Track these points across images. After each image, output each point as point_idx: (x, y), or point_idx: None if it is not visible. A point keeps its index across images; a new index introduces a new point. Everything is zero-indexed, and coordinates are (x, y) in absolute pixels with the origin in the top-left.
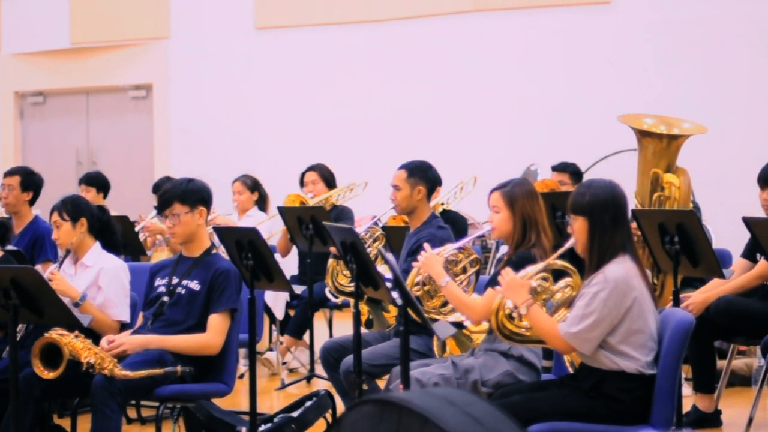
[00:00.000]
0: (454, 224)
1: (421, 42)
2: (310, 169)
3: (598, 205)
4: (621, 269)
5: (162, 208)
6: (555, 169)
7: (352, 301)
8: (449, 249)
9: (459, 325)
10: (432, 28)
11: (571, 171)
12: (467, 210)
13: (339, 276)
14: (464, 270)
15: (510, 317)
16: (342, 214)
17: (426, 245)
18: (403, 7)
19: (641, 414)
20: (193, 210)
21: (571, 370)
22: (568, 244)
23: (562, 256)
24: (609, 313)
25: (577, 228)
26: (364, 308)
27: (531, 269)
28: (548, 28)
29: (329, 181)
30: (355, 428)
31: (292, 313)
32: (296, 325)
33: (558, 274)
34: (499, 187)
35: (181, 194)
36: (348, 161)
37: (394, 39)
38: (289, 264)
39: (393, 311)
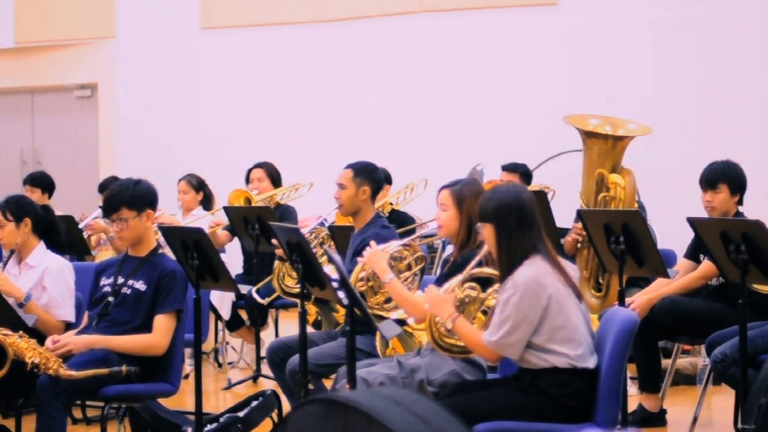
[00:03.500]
0: (401, 224)
1: (367, 43)
2: (257, 166)
3: (503, 210)
4: (530, 271)
5: (109, 212)
6: (505, 168)
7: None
8: (394, 245)
9: (401, 322)
10: (378, 28)
11: (522, 172)
12: (416, 211)
13: (285, 278)
14: (409, 267)
15: (449, 331)
16: (285, 213)
17: (372, 242)
18: (349, 8)
19: (584, 409)
20: (141, 214)
21: None
22: (482, 252)
23: (479, 263)
24: (525, 316)
25: (486, 235)
26: (312, 308)
27: (452, 282)
28: (494, 28)
29: (275, 179)
30: (301, 428)
31: (243, 313)
32: (252, 318)
33: (485, 282)
34: (449, 185)
35: (129, 199)
36: (294, 161)
37: (340, 40)
38: (235, 263)
39: (342, 311)
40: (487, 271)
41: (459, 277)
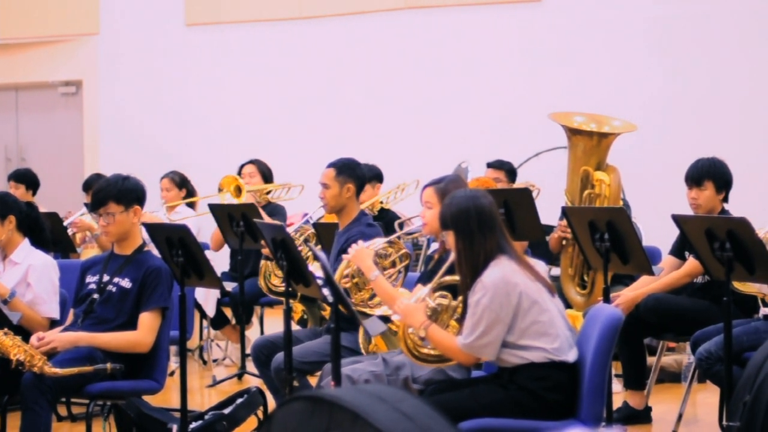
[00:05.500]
0: (390, 223)
1: (351, 39)
2: (250, 162)
3: (462, 215)
4: (497, 271)
5: (96, 206)
6: (490, 165)
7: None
8: (379, 242)
9: (386, 319)
10: (362, 25)
11: (507, 169)
12: (406, 211)
13: (271, 277)
14: (393, 264)
15: (423, 340)
16: (275, 211)
17: (360, 241)
18: (333, 5)
19: (566, 403)
20: (128, 209)
21: None
22: (450, 259)
23: (449, 271)
24: (497, 316)
25: (450, 242)
26: (298, 306)
27: (422, 292)
28: (479, 25)
29: (267, 176)
30: (286, 425)
31: (227, 311)
32: (237, 315)
33: (456, 290)
34: (433, 182)
35: (117, 194)
36: (281, 158)
37: (325, 37)
38: (220, 261)
39: (329, 309)
40: (457, 278)
41: (429, 286)
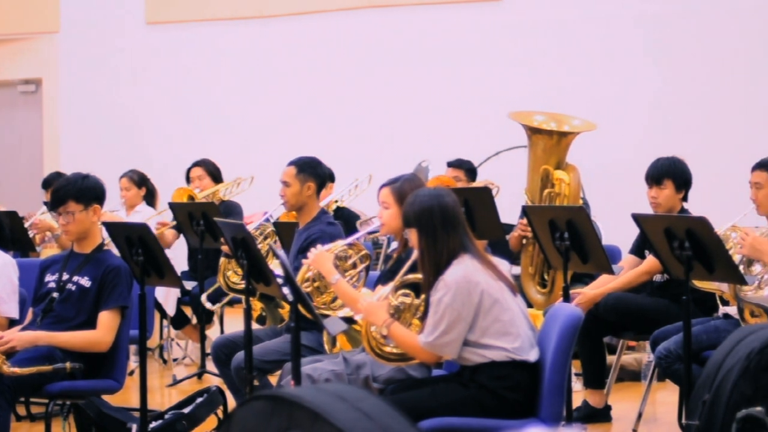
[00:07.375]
0: (347, 221)
1: (312, 38)
2: (196, 164)
3: (425, 213)
4: (459, 270)
5: (56, 205)
6: (450, 165)
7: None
8: (339, 245)
9: (349, 320)
10: (324, 24)
11: (467, 168)
12: (361, 207)
13: (231, 274)
14: (354, 266)
15: (385, 338)
16: (230, 208)
17: (318, 245)
18: (294, 3)
19: (526, 402)
20: (88, 208)
21: None
22: (413, 257)
23: (411, 269)
24: (459, 314)
25: (413, 240)
26: (257, 304)
27: (384, 290)
28: (438, 24)
29: (215, 176)
30: (246, 424)
31: (187, 310)
32: (197, 315)
33: (419, 288)
34: (389, 182)
35: (76, 192)
36: (239, 156)
37: (284, 35)
38: (179, 260)
39: (287, 307)
40: (420, 276)
41: (391, 284)
